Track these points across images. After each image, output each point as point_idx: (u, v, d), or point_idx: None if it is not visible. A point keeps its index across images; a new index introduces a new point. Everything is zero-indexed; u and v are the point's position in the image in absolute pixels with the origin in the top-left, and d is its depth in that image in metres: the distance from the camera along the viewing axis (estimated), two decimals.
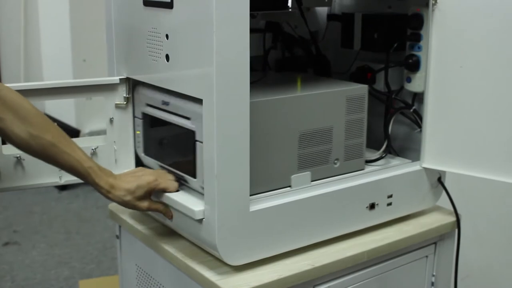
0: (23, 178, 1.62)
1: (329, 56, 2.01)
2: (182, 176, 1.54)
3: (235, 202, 1.42)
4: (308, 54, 1.97)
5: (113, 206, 1.87)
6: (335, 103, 1.64)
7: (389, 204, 1.73)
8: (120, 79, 1.68)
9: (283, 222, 1.53)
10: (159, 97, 1.59)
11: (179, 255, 1.57)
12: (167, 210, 1.54)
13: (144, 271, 1.77)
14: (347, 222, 1.66)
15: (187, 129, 1.48)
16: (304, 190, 1.57)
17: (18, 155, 1.61)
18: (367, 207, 1.68)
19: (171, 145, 1.62)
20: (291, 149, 1.57)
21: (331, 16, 2.04)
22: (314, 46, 1.97)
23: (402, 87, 1.85)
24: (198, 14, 1.35)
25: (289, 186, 1.57)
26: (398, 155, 1.88)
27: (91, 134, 4.76)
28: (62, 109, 5.21)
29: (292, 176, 1.58)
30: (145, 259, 1.76)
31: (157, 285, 1.71)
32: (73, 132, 5.16)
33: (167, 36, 1.47)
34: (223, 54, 1.33)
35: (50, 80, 1.64)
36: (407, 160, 1.84)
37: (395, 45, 1.78)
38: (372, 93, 1.85)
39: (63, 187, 4.84)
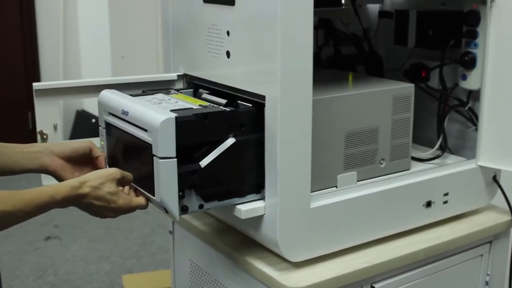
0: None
1: (381, 53, 2.00)
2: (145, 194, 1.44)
3: (297, 198, 1.43)
4: (361, 51, 1.97)
5: None
6: (382, 102, 1.64)
7: (445, 202, 1.72)
8: (177, 75, 1.69)
9: (343, 219, 1.53)
10: (119, 106, 1.47)
11: (236, 251, 1.58)
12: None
13: (198, 266, 1.78)
14: (405, 220, 1.66)
15: (144, 141, 1.36)
16: (363, 188, 1.58)
17: None
18: (423, 205, 1.68)
19: (131, 158, 1.49)
20: (337, 149, 1.57)
21: (382, 13, 2.03)
22: (367, 43, 1.97)
23: (456, 85, 1.84)
24: (261, 10, 1.36)
25: (335, 187, 1.57)
26: (452, 153, 1.87)
27: None
28: None
29: (338, 176, 1.57)
30: (199, 254, 1.77)
31: (211, 280, 1.72)
32: None
33: (228, 32, 1.48)
34: (288, 50, 1.33)
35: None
36: (461, 158, 1.83)
37: (452, 42, 1.77)
38: (426, 90, 1.84)
39: None
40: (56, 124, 1.62)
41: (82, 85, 1.59)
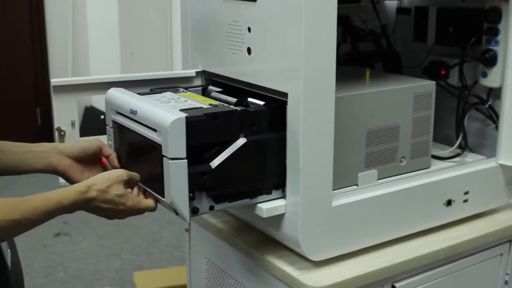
0: None
1: (398, 50, 1.99)
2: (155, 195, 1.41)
3: (319, 197, 1.41)
4: (379, 48, 1.95)
5: None
6: (403, 100, 1.62)
7: (465, 200, 1.71)
8: (196, 72, 1.67)
9: (364, 218, 1.51)
10: (127, 105, 1.45)
11: (256, 249, 1.57)
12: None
13: (215, 265, 1.77)
14: (425, 219, 1.64)
15: (153, 142, 1.33)
16: (384, 186, 1.56)
17: None
18: (444, 203, 1.66)
19: (139, 159, 1.46)
20: (358, 147, 1.56)
21: (400, 10, 2.01)
22: (385, 40, 1.95)
23: (475, 82, 1.82)
24: (285, 6, 1.34)
25: (356, 185, 1.56)
26: (471, 151, 1.85)
27: None
28: None
29: (359, 174, 1.56)
30: (217, 253, 1.75)
31: (229, 278, 1.71)
32: None
33: (249, 29, 1.46)
34: (311, 46, 1.32)
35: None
36: (481, 157, 1.81)
37: (473, 39, 1.75)
38: (446, 88, 1.82)
39: None
40: (74, 120, 1.60)
41: (103, 81, 1.57)
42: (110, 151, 1.50)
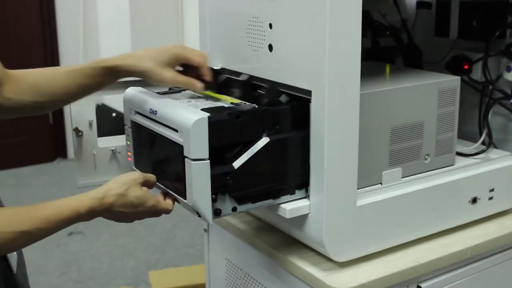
0: (118, 172, 1.60)
1: (419, 45, 1.95)
2: (175, 196, 1.39)
3: (343, 196, 1.38)
4: (399, 43, 1.92)
5: None
6: (427, 96, 1.58)
7: (491, 198, 1.67)
8: (215, 70, 1.64)
9: (388, 217, 1.48)
10: (147, 104, 1.43)
11: (278, 250, 1.54)
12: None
13: (235, 265, 1.74)
14: (450, 217, 1.61)
15: (174, 142, 1.31)
16: (408, 184, 1.53)
17: (113, 148, 1.59)
18: (469, 201, 1.63)
19: (160, 159, 1.45)
20: (382, 145, 1.52)
21: (420, 4, 1.97)
22: (406, 35, 1.91)
23: (498, 77, 1.78)
24: (308, 1, 1.30)
25: (380, 183, 1.52)
26: (495, 147, 1.81)
27: None
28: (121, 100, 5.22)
29: (384, 172, 1.52)
30: (237, 253, 1.72)
31: (250, 279, 1.68)
32: None
33: (270, 25, 1.42)
34: (336, 43, 1.28)
35: None
36: (506, 153, 1.77)
37: (497, 33, 1.71)
38: (469, 83, 1.78)
39: None
40: (92, 120, 1.59)
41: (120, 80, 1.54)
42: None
